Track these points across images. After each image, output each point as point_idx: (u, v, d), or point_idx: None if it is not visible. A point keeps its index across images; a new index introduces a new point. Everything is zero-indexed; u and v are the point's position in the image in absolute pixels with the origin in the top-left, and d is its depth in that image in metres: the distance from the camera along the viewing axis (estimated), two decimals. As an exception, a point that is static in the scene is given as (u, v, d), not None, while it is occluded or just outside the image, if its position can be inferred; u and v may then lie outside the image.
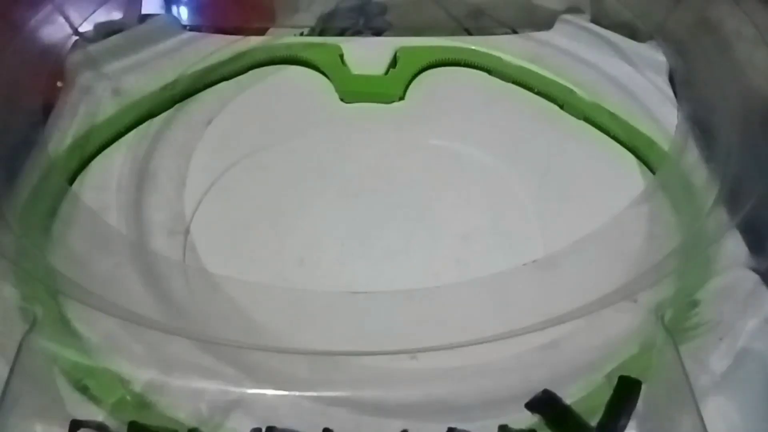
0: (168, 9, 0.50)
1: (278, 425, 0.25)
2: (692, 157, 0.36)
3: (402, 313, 0.29)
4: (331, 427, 0.25)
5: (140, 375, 0.27)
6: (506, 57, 0.44)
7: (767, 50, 0.35)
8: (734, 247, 0.32)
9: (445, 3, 0.50)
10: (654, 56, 0.43)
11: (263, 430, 0.25)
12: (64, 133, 0.38)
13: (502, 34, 0.48)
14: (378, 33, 0.49)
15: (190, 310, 0.30)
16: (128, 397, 0.26)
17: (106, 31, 0.45)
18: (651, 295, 0.29)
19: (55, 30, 0.42)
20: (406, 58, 0.44)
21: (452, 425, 0.25)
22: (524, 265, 0.32)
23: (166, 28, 0.46)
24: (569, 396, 0.26)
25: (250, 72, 0.44)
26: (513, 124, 0.41)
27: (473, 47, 0.45)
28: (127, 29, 0.45)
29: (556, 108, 0.42)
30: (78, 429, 0.24)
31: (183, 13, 0.50)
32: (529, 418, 0.25)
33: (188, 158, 0.38)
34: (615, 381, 0.25)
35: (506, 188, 0.37)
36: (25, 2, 0.40)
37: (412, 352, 0.28)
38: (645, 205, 0.35)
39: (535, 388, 0.25)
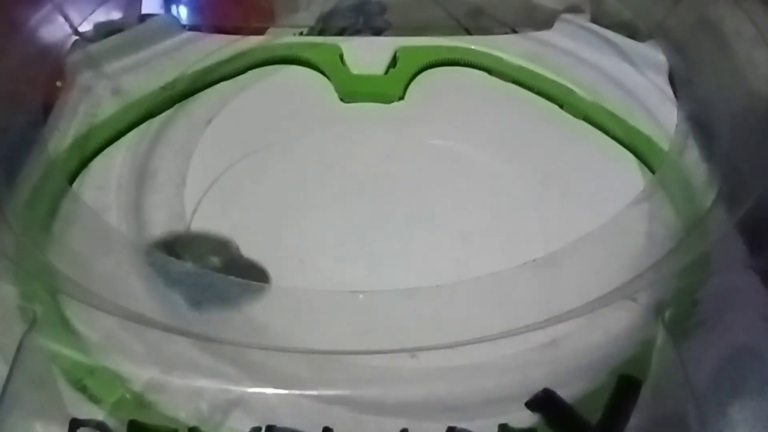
0: (168, 9, 0.50)
1: (278, 424, 0.25)
2: (692, 156, 0.36)
3: (402, 312, 0.29)
4: (331, 426, 0.25)
5: (140, 374, 0.27)
6: (506, 57, 0.44)
7: (767, 50, 0.35)
8: (734, 246, 0.32)
9: (444, 2, 0.50)
10: (654, 56, 0.43)
11: (263, 429, 0.25)
12: (64, 133, 0.38)
13: (502, 33, 0.48)
14: (377, 32, 0.49)
15: (190, 309, 0.30)
16: (128, 396, 0.26)
17: (105, 30, 0.45)
18: (651, 294, 0.29)
19: (54, 29, 0.42)
20: (406, 58, 0.44)
21: (452, 424, 0.25)
22: (524, 264, 0.32)
23: (165, 27, 0.46)
24: (569, 395, 0.26)
25: (250, 72, 0.44)
26: (513, 124, 0.41)
27: (473, 47, 0.45)
28: (127, 29, 0.45)
29: (556, 108, 0.42)
30: (78, 428, 0.24)
31: (183, 12, 0.50)
32: (530, 417, 0.25)
33: (188, 158, 0.38)
34: (615, 380, 0.25)
35: (506, 188, 0.37)
36: (25, 2, 0.40)
37: (412, 351, 0.28)
38: (645, 205, 0.35)
39: (536, 387, 0.25)
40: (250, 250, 0.34)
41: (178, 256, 0.30)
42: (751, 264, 0.31)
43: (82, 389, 0.27)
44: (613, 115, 0.40)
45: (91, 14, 0.44)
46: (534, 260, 0.32)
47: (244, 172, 0.37)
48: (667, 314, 0.28)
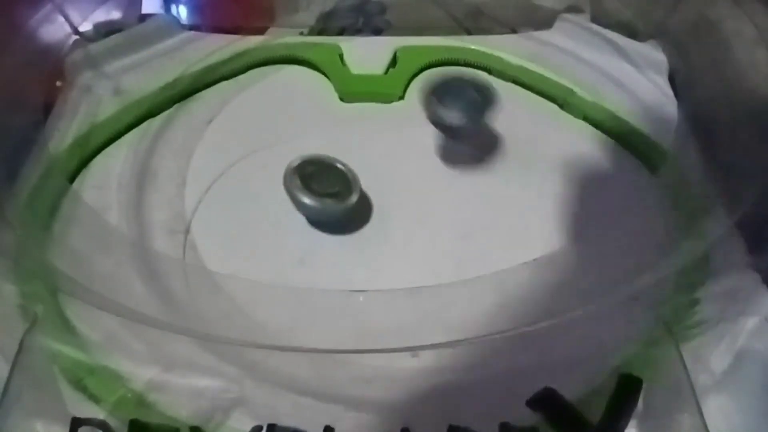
0: (167, 8, 0.50)
1: (279, 423, 0.25)
2: (692, 156, 0.36)
3: (402, 312, 0.29)
4: (331, 425, 0.25)
5: (141, 373, 0.27)
6: (506, 57, 0.44)
7: (767, 50, 0.36)
8: (734, 246, 0.32)
9: (444, 2, 0.50)
10: (654, 56, 0.43)
11: (264, 428, 0.25)
12: (64, 133, 0.38)
13: (502, 33, 0.48)
14: (377, 32, 0.49)
15: (191, 308, 0.30)
16: (129, 396, 0.27)
17: (105, 30, 0.45)
18: (651, 293, 0.29)
19: (54, 29, 0.42)
20: (406, 58, 0.44)
21: (453, 423, 0.25)
22: (524, 263, 0.32)
23: (165, 27, 0.46)
24: (570, 394, 0.26)
25: (250, 72, 0.44)
26: (513, 124, 0.41)
27: (473, 47, 0.45)
28: (127, 29, 0.45)
29: (556, 108, 0.42)
30: (79, 427, 0.24)
31: (182, 12, 0.50)
32: (530, 416, 0.25)
33: (188, 158, 0.38)
34: (615, 379, 0.25)
35: (506, 188, 0.37)
36: (25, 2, 0.40)
37: (413, 350, 0.28)
38: (645, 205, 0.35)
39: (536, 386, 0.25)
40: (250, 249, 0.34)
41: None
42: (751, 263, 0.31)
43: (83, 389, 0.27)
44: (613, 115, 0.40)
45: (91, 14, 0.44)
46: (534, 260, 0.32)
47: (244, 171, 0.37)
48: (668, 313, 0.28)
